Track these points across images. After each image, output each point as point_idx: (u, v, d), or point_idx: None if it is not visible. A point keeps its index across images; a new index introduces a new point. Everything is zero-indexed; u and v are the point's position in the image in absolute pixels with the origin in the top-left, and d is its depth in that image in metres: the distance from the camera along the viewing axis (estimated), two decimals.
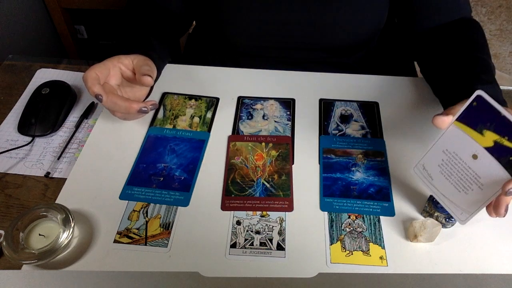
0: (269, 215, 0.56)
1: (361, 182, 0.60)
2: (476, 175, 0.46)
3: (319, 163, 0.62)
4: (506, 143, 0.42)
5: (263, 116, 0.70)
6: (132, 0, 0.77)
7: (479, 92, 0.43)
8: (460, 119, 0.46)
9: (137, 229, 0.54)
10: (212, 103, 0.72)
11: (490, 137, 0.43)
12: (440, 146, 0.49)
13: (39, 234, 0.52)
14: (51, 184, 0.60)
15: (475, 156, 0.45)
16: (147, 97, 0.66)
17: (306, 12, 0.72)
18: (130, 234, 0.54)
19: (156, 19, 0.73)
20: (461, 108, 0.46)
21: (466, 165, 0.47)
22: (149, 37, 0.68)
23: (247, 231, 0.54)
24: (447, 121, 0.49)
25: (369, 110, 0.70)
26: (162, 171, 0.61)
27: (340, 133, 0.67)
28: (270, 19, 0.73)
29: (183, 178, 0.60)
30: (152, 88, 0.66)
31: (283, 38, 0.76)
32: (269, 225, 0.55)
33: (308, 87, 0.74)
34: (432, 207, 0.54)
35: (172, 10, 0.77)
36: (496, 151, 0.43)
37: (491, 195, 0.45)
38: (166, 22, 0.75)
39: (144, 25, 0.71)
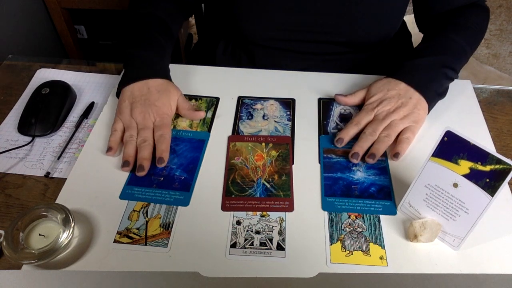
0: (269, 215, 0.56)
1: (362, 181, 0.60)
2: (460, 201, 0.50)
3: (320, 163, 0.62)
4: (480, 167, 0.47)
5: (263, 116, 0.70)
6: None
7: (447, 128, 0.48)
8: (435, 154, 0.50)
9: (137, 229, 0.54)
10: (212, 103, 0.72)
11: (466, 165, 0.48)
12: (421, 182, 0.53)
13: (39, 234, 0.52)
14: (51, 184, 0.60)
15: (455, 185, 0.49)
16: None
17: (332, 1, 0.71)
18: (130, 234, 0.54)
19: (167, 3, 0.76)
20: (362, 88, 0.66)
21: (449, 194, 0.50)
22: (158, 38, 0.71)
23: (247, 231, 0.54)
24: (346, 101, 0.68)
25: None
26: (162, 171, 0.61)
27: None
28: (292, 8, 0.73)
29: (183, 178, 0.60)
30: None
31: (303, 29, 0.75)
32: (269, 225, 0.55)
33: (308, 87, 0.74)
34: None
35: None
36: (473, 176, 0.48)
37: (478, 216, 0.49)
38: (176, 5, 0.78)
39: (152, 18, 0.74)
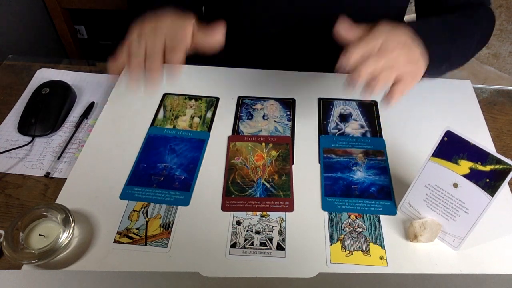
0: (269, 215, 0.56)
1: (362, 181, 0.60)
2: (460, 201, 0.50)
3: (320, 163, 0.62)
4: (480, 167, 0.47)
5: (263, 116, 0.70)
6: None
7: (447, 128, 0.48)
8: (435, 154, 0.50)
9: (137, 229, 0.54)
10: (212, 103, 0.72)
11: (466, 165, 0.48)
12: (421, 182, 0.53)
13: (39, 234, 0.52)
14: (51, 184, 0.60)
15: (455, 185, 0.49)
16: None
17: (334, 3, 0.71)
18: (130, 234, 0.54)
19: None
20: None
21: (449, 194, 0.50)
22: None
23: (247, 231, 0.54)
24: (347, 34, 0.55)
25: (368, 109, 0.70)
26: (162, 171, 0.61)
27: (339, 132, 0.67)
28: (293, 13, 0.72)
29: (183, 177, 0.60)
30: None
31: (304, 31, 0.75)
32: (269, 225, 0.55)
33: (308, 87, 0.74)
34: None
35: None
36: (473, 176, 0.48)
37: (478, 216, 0.49)
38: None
39: None
